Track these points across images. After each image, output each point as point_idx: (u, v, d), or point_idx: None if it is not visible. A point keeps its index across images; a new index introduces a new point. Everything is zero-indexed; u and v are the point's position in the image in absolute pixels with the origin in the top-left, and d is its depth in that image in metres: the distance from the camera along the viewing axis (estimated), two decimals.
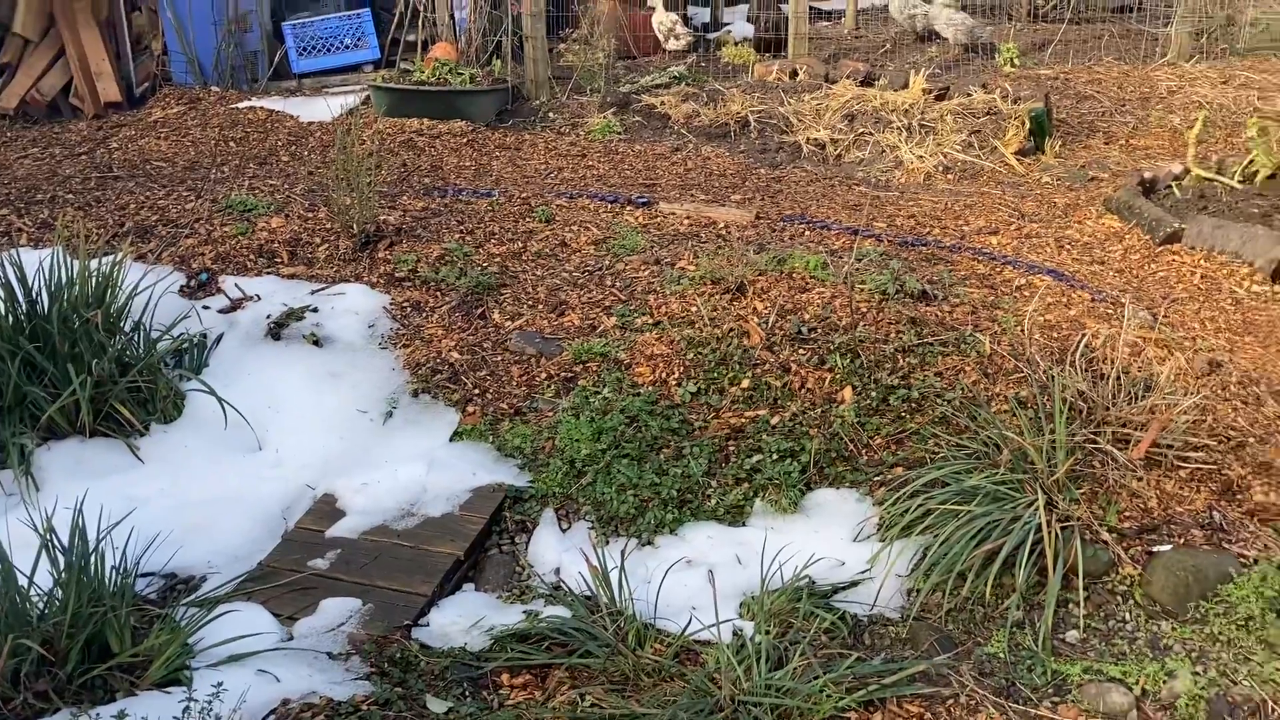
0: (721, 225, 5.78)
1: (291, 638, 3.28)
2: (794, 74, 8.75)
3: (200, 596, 3.42)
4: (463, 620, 3.40)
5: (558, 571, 3.64)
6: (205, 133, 7.45)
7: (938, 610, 3.35)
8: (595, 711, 2.86)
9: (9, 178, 6.42)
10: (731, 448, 4.00)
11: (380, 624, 3.34)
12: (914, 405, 4.05)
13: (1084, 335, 4.29)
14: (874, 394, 4.09)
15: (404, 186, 6.31)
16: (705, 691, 2.82)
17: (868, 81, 8.40)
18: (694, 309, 4.57)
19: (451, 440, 4.25)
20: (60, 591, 3.03)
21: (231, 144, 7.25)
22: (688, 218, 5.88)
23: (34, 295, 4.23)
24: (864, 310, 4.46)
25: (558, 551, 3.71)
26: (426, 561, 3.63)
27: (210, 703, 2.29)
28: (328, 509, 3.91)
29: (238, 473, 4.12)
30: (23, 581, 3.04)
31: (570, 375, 4.41)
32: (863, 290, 4.59)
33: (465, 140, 7.38)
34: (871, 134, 7.40)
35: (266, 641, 3.21)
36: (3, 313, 4.14)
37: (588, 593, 3.44)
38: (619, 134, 7.70)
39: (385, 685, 3.07)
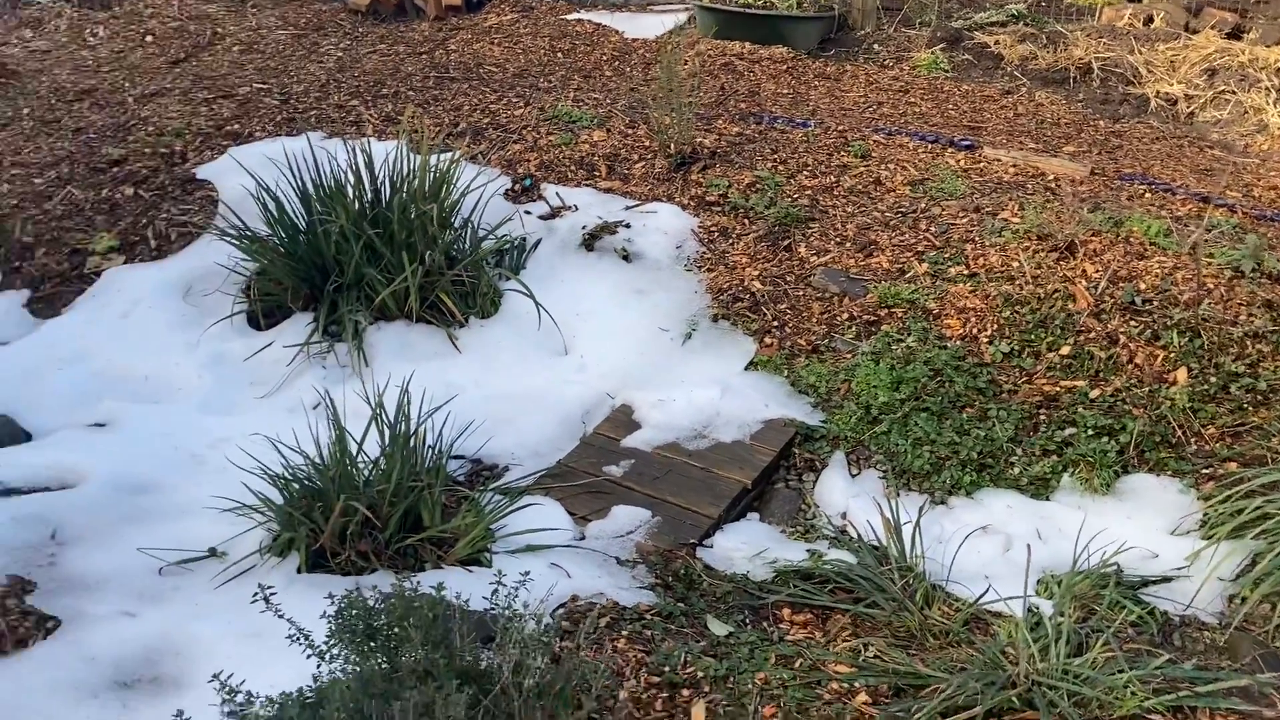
0: (1051, 177, 5.41)
1: (583, 538, 3.39)
2: (1149, 20, 8.00)
3: (504, 485, 3.60)
4: (746, 548, 3.41)
5: (844, 515, 3.58)
6: (535, 41, 7.69)
7: (1264, 624, 3.04)
8: (878, 663, 2.80)
9: (359, 71, 6.89)
10: (1042, 416, 3.77)
11: (667, 538, 3.40)
12: (1259, 397, 3.67)
13: None
14: (1213, 379, 3.73)
15: (720, 110, 6.29)
16: (997, 665, 2.69)
17: (1235, 34, 7.57)
18: (1015, 264, 4.32)
19: (746, 369, 4.24)
20: (384, 462, 3.25)
21: (559, 54, 7.45)
22: (1014, 166, 5.54)
23: (378, 184, 4.53)
24: (1211, 286, 4.06)
25: (845, 496, 3.65)
26: (715, 484, 3.65)
27: (517, 589, 2.40)
28: (624, 419, 4.00)
29: (544, 373, 4.29)
30: (353, 448, 3.28)
31: (873, 319, 4.28)
32: (1211, 264, 4.17)
33: (785, 67, 7.25)
34: (1234, 93, 6.68)
35: (560, 538, 3.34)
36: (352, 197, 4.45)
37: (875, 542, 3.36)
38: (946, 72, 7.34)
39: (668, 598, 3.12)
